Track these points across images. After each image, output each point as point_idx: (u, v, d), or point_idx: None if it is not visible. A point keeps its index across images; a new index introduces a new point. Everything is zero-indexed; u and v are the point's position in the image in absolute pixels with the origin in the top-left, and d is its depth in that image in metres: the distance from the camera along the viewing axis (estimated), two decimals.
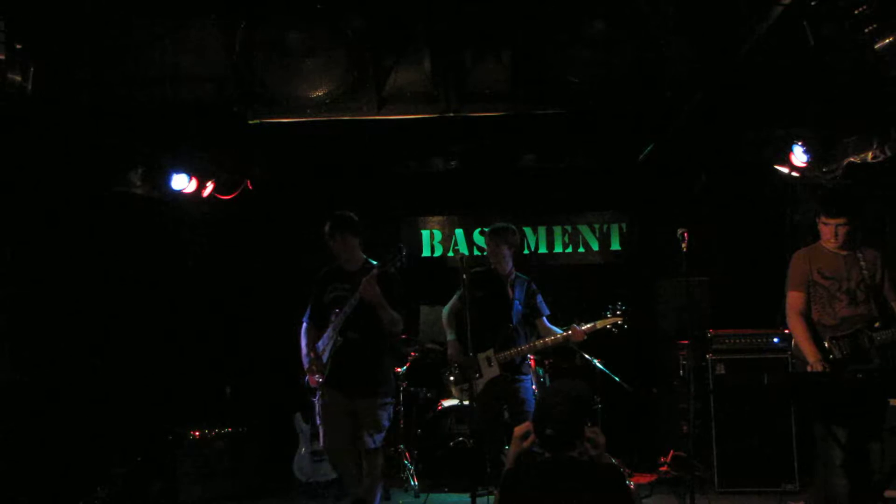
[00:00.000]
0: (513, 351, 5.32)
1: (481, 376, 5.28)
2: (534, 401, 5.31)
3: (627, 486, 3.27)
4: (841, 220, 4.53)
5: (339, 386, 4.67)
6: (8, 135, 4.98)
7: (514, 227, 5.51)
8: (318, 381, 4.72)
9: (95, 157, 5.74)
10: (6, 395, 5.22)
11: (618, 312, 5.46)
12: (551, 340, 5.39)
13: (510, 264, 5.47)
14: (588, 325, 5.38)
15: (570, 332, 5.37)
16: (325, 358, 4.68)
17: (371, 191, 7.75)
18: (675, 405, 6.54)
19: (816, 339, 4.54)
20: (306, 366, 4.82)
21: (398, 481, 6.24)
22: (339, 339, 4.63)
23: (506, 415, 5.46)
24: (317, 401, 4.79)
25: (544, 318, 5.57)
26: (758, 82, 5.05)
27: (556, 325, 5.81)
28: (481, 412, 5.29)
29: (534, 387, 5.74)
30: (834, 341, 4.52)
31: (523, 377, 5.43)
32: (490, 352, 5.31)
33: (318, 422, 4.80)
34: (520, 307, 5.47)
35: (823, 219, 4.59)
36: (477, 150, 7.12)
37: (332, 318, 4.67)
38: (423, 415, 6.46)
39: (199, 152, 6.21)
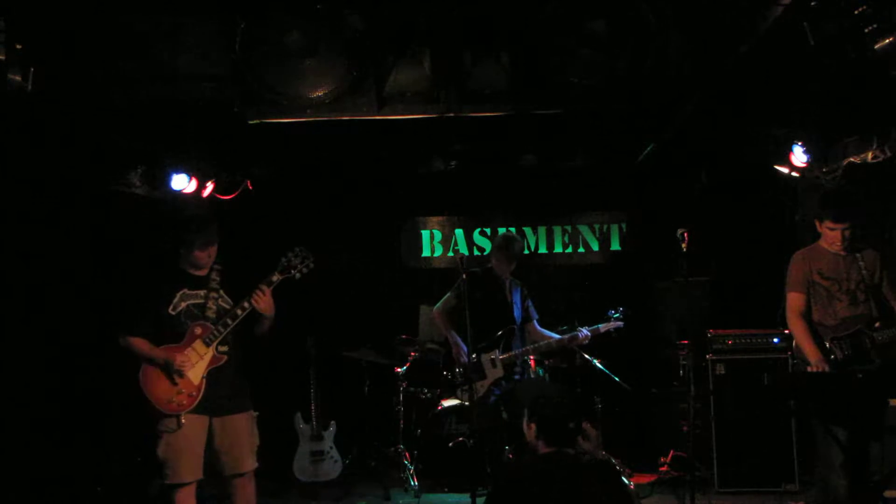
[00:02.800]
0: (518, 352, 5.33)
1: (486, 378, 5.29)
2: None
3: (625, 482, 3.28)
4: (847, 224, 4.53)
5: (205, 408, 4.08)
6: (8, 135, 4.98)
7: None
8: (180, 407, 4.01)
9: (95, 156, 5.74)
10: (5, 394, 5.22)
11: (616, 316, 5.47)
12: (556, 342, 5.41)
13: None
14: (592, 329, 5.41)
15: (572, 336, 5.39)
16: (196, 380, 4.05)
17: (371, 191, 7.76)
18: (675, 405, 6.54)
19: (817, 340, 4.54)
20: (159, 395, 4.02)
21: (398, 481, 6.24)
22: (217, 354, 4.09)
23: (504, 414, 5.47)
24: (165, 430, 4.04)
25: (535, 322, 5.61)
26: (758, 82, 5.04)
27: (557, 326, 5.83)
28: (482, 413, 5.29)
29: None
30: (835, 342, 4.52)
31: (518, 377, 5.45)
32: (495, 353, 5.32)
33: (165, 454, 4.05)
34: (519, 310, 5.50)
35: (829, 224, 4.56)
36: (477, 150, 7.12)
37: (198, 331, 4.08)
38: (423, 415, 6.46)
39: (199, 152, 6.21)
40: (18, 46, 3.97)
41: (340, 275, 7.42)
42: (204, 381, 4.07)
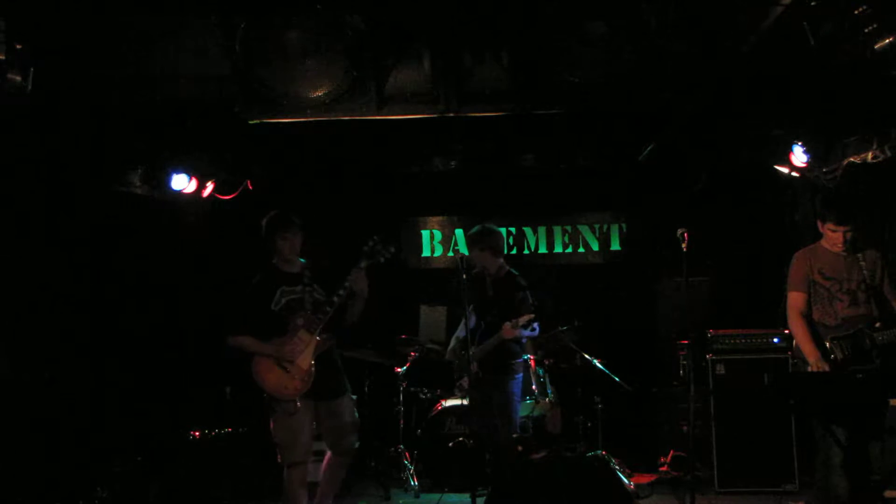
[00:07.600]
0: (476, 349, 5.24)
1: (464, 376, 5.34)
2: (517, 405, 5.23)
3: (622, 479, 3.27)
4: (850, 226, 4.53)
5: (312, 394, 4.48)
6: (8, 135, 4.98)
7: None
8: (295, 392, 4.42)
9: (95, 157, 5.74)
10: (6, 394, 5.22)
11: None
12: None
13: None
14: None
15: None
16: (306, 366, 4.45)
17: (371, 191, 7.76)
18: (675, 405, 6.54)
19: (817, 340, 4.54)
20: (273, 383, 4.44)
21: (398, 481, 6.24)
22: (326, 340, 4.51)
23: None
24: (282, 413, 4.43)
25: None
26: (758, 82, 5.04)
27: (557, 326, 5.85)
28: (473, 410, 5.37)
29: (533, 386, 5.83)
30: (835, 342, 4.52)
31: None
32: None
33: (282, 436, 4.44)
34: None
35: (832, 225, 4.55)
36: (477, 150, 7.12)
37: (299, 321, 4.48)
38: (423, 415, 6.46)
39: (199, 152, 6.21)
40: (18, 46, 3.98)
41: (340, 274, 7.41)
42: (312, 366, 4.46)
